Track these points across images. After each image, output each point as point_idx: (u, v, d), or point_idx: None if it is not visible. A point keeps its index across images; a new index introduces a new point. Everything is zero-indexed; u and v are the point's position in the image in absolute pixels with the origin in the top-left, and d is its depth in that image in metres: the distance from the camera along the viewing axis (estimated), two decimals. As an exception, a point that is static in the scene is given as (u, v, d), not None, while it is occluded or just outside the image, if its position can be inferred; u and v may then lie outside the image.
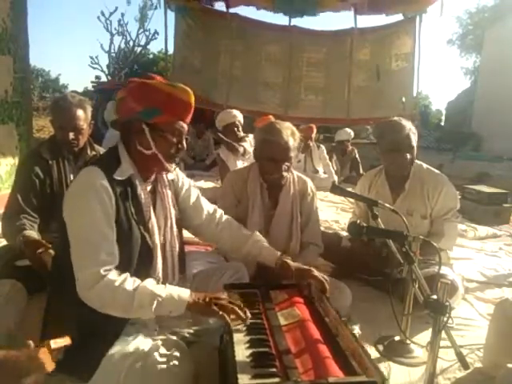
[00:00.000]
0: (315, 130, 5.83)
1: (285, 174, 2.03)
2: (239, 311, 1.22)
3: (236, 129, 4.10)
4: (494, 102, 13.27)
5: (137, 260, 1.35)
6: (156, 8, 19.76)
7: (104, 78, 18.38)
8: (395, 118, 2.25)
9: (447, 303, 1.31)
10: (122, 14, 19.47)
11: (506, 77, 12.86)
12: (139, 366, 1.20)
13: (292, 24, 8.88)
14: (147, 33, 20.17)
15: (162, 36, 8.69)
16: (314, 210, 2.20)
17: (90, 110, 2.13)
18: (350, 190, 2.33)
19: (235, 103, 7.81)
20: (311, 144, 5.74)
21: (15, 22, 4.13)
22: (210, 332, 1.52)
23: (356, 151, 6.39)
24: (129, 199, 1.36)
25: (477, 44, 19.36)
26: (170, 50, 8.80)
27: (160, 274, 1.44)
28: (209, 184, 5.14)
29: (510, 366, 1.36)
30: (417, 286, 1.61)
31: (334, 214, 4.40)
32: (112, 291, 1.21)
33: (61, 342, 0.98)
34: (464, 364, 1.44)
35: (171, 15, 8.41)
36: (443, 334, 1.38)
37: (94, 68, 19.74)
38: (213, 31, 8.50)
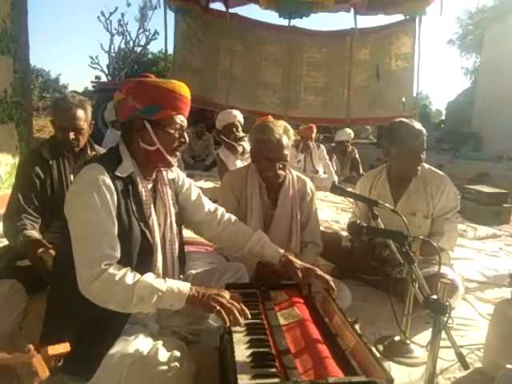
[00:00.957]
0: (315, 130, 5.83)
1: (280, 172, 2.03)
2: (237, 313, 1.22)
3: (235, 129, 4.10)
4: (494, 101, 13.26)
5: (137, 257, 1.36)
6: (156, 8, 19.85)
7: (104, 78, 18.43)
8: (406, 121, 2.22)
9: (447, 303, 1.31)
10: (122, 14, 19.56)
11: (506, 77, 12.84)
12: (140, 365, 1.19)
13: (292, 24, 8.89)
14: (147, 33, 20.25)
15: (161, 36, 8.72)
16: (313, 210, 2.21)
17: (90, 110, 2.13)
18: (349, 190, 2.33)
19: (235, 103, 7.83)
20: (311, 144, 5.74)
21: (15, 22, 4.13)
22: (210, 332, 1.52)
23: (356, 151, 6.40)
24: (130, 196, 1.37)
25: (477, 44, 19.35)
26: (170, 50, 8.84)
27: (160, 272, 1.44)
28: (209, 184, 5.15)
29: (509, 366, 1.36)
30: (417, 286, 1.61)
31: (334, 213, 4.40)
32: (112, 285, 1.22)
33: (59, 348, 0.97)
34: (464, 364, 1.44)
35: (171, 15, 8.44)
36: (443, 334, 1.38)
37: (94, 68, 19.81)
38: (213, 31, 8.51)
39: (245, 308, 1.25)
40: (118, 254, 1.29)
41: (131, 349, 1.24)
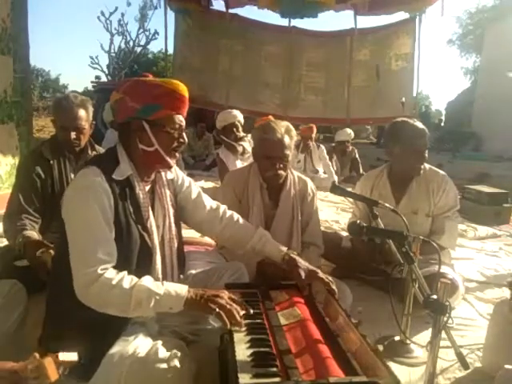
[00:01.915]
0: (315, 130, 5.83)
1: (280, 172, 2.03)
2: (237, 315, 1.22)
3: (236, 129, 4.10)
4: (494, 101, 13.25)
5: (136, 260, 1.36)
6: (156, 8, 19.84)
7: (104, 78, 18.45)
8: (409, 120, 2.24)
9: (447, 303, 1.31)
10: (122, 14, 19.56)
11: (505, 77, 12.84)
12: (139, 365, 1.19)
13: (292, 24, 8.91)
14: (147, 33, 20.26)
15: (162, 36, 8.73)
16: (314, 211, 2.20)
17: (91, 110, 2.13)
18: (349, 190, 2.33)
19: (235, 103, 7.83)
20: (311, 144, 5.75)
21: (15, 22, 4.13)
22: (210, 332, 1.52)
23: (356, 151, 6.40)
24: (127, 199, 1.36)
25: (477, 44, 19.33)
26: (170, 50, 8.85)
27: (159, 274, 1.44)
28: (209, 184, 5.15)
29: (508, 366, 1.36)
30: (417, 285, 1.61)
31: (334, 213, 4.40)
32: (109, 290, 1.21)
33: (69, 356, 0.97)
34: (464, 364, 1.45)
35: (171, 15, 8.45)
36: (443, 334, 1.38)
37: (94, 68, 19.81)
38: (213, 31, 8.52)
39: (245, 305, 1.24)
40: (115, 258, 1.28)
41: (131, 349, 1.24)
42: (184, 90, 1.41)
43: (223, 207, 1.73)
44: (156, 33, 19.63)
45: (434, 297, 1.34)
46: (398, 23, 8.64)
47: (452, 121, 18.34)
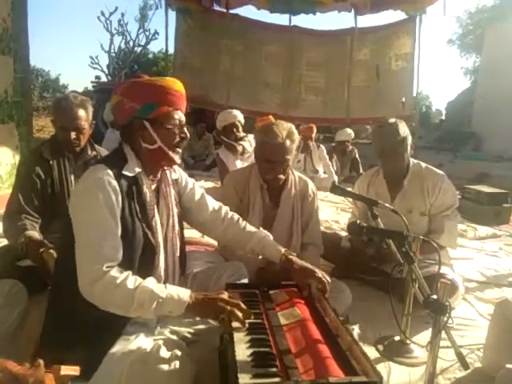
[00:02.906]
0: (315, 130, 5.83)
1: (280, 176, 2.03)
2: (238, 313, 1.22)
3: (236, 129, 4.10)
4: (494, 101, 13.27)
5: (139, 258, 1.36)
6: (157, 8, 19.81)
7: (104, 78, 18.41)
8: (390, 121, 2.26)
9: (447, 303, 1.32)
10: (122, 14, 19.56)
11: (506, 77, 12.85)
12: (140, 365, 1.19)
13: (292, 24, 8.92)
14: (147, 33, 20.25)
15: (162, 36, 8.71)
16: (314, 211, 2.20)
17: (91, 110, 2.13)
18: (349, 190, 2.33)
19: (236, 103, 7.83)
20: (311, 144, 5.75)
21: (15, 22, 4.13)
22: (210, 332, 1.52)
23: (356, 151, 6.40)
24: (134, 197, 1.37)
25: (477, 44, 19.35)
26: (171, 50, 8.82)
27: (162, 273, 1.44)
28: (209, 184, 5.15)
29: (509, 366, 1.36)
30: (417, 285, 1.61)
31: (334, 214, 4.40)
32: (113, 289, 1.22)
33: (70, 369, 0.97)
34: (464, 364, 1.45)
35: (172, 15, 8.43)
36: (443, 334, 1.38)
37: (94, 68, 19.79)
38: (213, 31, 8.52)
39: (247, 309, 1.25)
40: (121, 256, 1.29)
41: (132, 348, 1.25)
42: (179, 85, 1.44)
43: (225, 208, 1.74)
44: (156, 33, 19.66)
45: (434, 297, 1.34)
46: (398, 23, 8.63)
47: (452, 121, 18.35)
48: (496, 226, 4.08)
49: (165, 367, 1.19)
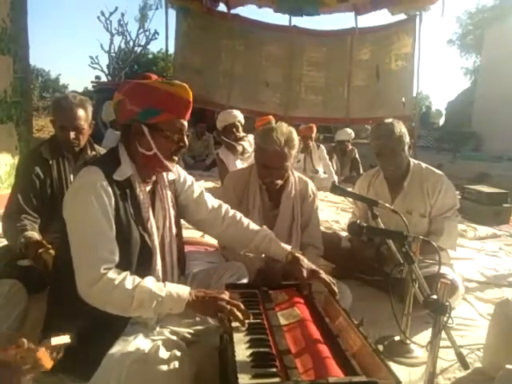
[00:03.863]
0: (315, 130, 5.83)
1: (278, 181, 2.02)
2: (238, 313, 1.22)
3: (236, 129, 4.10)
4: (494, 102, 13.26)
5: (136, 261, 1.36)
6: (157, 8, 19.84)
7: (104, 78, 18.43)
8: (387, 121, 2.27)
9: (447, 303, 1.31)
10: (122, 14, 19.53)
11: (506, 77, 12.85)
12: (139, 365, 1.19)
13: (292, 24, 8.90)
14: (147, 33, 20.23)
15: (162, 36, 8.72)
16: (314, 212, 2.20)
17: (91, 109, 2.13)
18: (349, 190, 2.33)
19: (236, 103, 7.83)
20: (311, 144, 5.74)
21: (15, 22, 4.13)
22: (209, 332, 1.52)
23: (356, 151, 6.40)
24: (128, 200, 1.36)
25: (477, 44, 19.34)
26: (171, 50, 8.82)
27: (160, 275, 1.44)
28: (209, 184, 5.15)
29: (509, 366, 1.36)
30: (417, 285, 1.61)
31: (334, 213, 4.40)
32: (112, 290, 1.22)
33: (60, 339, 0.97)
34: (464, 364, 1.44)
35: (172, 15, 8.42)
36: (443, 334, 1.38)
37: (94, 68, 19.78)
38: (214, 31, 8.51)
39: (246, 310, 1.24)
40: (117, 258, 1.28)
41: (131, 348, 1.25)
42: (187, 93, 1.38)
43: (226, 206, 1.72)
44: (156, 33, 19.64)
45: (434, 297, 1.34)
46: (398, 23, 8.62)
47: (452, 121, 18.35)
48: (496, 226, 4.09)
49: (164, 367, 1.19)
